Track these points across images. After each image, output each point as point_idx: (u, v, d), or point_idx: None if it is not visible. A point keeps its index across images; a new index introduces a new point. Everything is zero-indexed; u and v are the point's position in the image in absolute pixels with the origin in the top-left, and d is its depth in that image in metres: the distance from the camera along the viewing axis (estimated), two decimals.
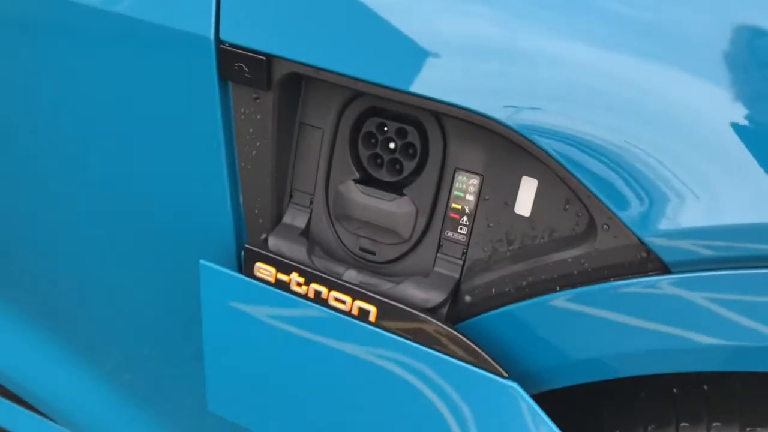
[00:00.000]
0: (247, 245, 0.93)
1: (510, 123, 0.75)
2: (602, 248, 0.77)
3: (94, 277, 1.18)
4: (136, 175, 1.02)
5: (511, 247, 0.85)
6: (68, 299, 1.24)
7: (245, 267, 0.93)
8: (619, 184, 0.72)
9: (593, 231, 0.77)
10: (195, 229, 1.01)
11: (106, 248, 1.13)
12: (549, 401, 0.84)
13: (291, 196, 0.96)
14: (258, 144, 0.92)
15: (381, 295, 0.86)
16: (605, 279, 0.77)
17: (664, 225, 0.72)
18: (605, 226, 0.76)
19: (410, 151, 0.89)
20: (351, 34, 0.80)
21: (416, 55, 0.77)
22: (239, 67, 0.87)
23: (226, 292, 0.95)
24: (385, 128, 0.89)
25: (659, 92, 0.70)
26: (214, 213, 0.98)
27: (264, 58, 0.85)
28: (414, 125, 0.87)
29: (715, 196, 0.69)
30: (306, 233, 0.95)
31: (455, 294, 0.87)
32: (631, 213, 0.73)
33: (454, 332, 0.82)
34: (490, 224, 0.86)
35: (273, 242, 0.94)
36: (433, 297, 0.86)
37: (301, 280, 0.89)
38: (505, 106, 0.74)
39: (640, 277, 0.75)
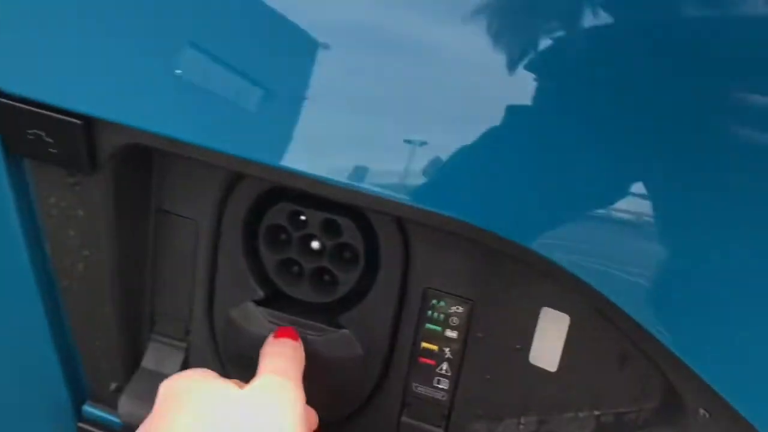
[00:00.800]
0: (80, 424, 0.56)
1: (519, 239, 0.42)
2: None
3: None
4: None
5: (525, 420, 0.52)
6: None
7: None
8: (731, 347, 0.41)
9: (678, 414, 0.45)
10: (9, 387, 0.63)
11: None
12: None
13: (153, 324, 0.60)
14: (86, 253, 0.54)
15: None
16: None
17: None
18: (704, 413, 0.44)
19: (347, 255, 0.54)
20: (226, 82, 0.44)
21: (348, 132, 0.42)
22: (36, 137, 0.48)
23: None
24: (302, 218, 0.53)
25: None
26: (33, 359, 0.60)
27: (80, 122, 0.47)
28: (350, 215, 0.52)
29: None
30: None
31: None
32: (754, 399, 0.41)
33: None
34: (488, 376, 0.52)
35: (127, 405, 0.58)
36: None
37: None
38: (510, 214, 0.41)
39: None
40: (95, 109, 0.47)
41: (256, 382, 0.47)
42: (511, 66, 0.40)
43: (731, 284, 0.40)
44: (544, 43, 0.40)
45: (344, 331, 0.55)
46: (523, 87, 0.40)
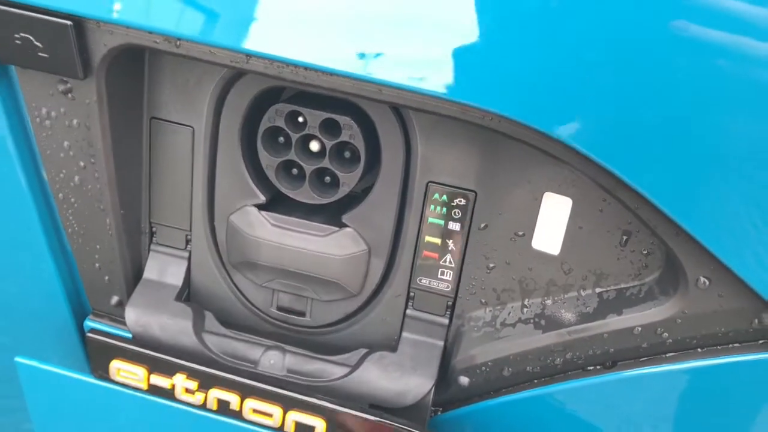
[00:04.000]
0: (90, 331, 0.56)
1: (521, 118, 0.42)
2: (695, 312, 0.47)
3: None
4: None
5: (530, 301, 0.54)
6: None
7: (93, 367, 0.57)
8: (741, 218, 0.43)
9: (679, 284, 0.48)
10: (8, 301, 0.62)
11: None
12: None
13: (152, 236, 0.60)
14: (81, 164, 0.54)
15: (328, 396, 0.53)
16: (694, 353, 0.49)
17: None
18: (703, 281, 0.46)
19: (347, 154, 0.54)
20: None
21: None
22: (24, 41, 0.47)
23: (65, 404, 0.59)
24: (301, 120, 0.53)
25: None
26: (31, 275, 0.60)
27: (69, 23, 0.46)
28: (349, 113, 0.52)
29: None
30: (185, 293, 0.60)
31: (443, 372, 0.56)
32: (759, 265, 0.43)
33: None
34: (492, 265, 0.54)
35: (133, 315, 0.58)
36: (413, 386, 0.55)
37: (193, 384, 0.55)
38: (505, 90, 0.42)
39: (750, 352, 0.47)
40: (86, 8, 0.45)
41: None
42: None
43: (733, 151, 0.42)
44: None
45: (348, 229, 0.55)
46: None
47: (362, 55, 0.44)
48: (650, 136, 0.41)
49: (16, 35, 0.47)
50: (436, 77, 0.43)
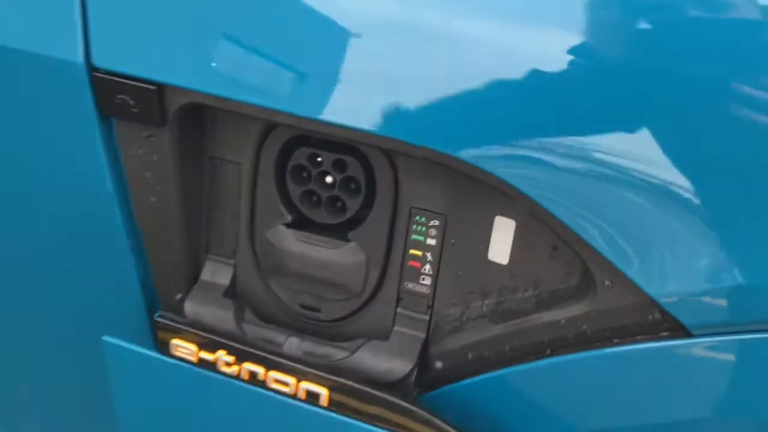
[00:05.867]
0: (158, 317, 0.75)
1: (468, 159, 0.58)
2: (604, 308, 0.62)
3: None
4: (16, 227, 0.82)
5: (487, 301, 0.69)
6: None
7: (159, 344, 0.75)
8: (623, 231, 0.57)
9: (591, 286, 0.62)
10: (96, 293, 0.81)
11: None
12: None
13: (208, 247, 0.78)
14: (158, 189, 0.73)
15: (332, 372, 0.69)
16: (607, 343, 0.62)
17: (681, 283, 0.57)
18: (607, 283, 0.61)
19: (352, 186, 0.71)
20: (262, 54, 0.61)
21: (346, 81, 0.59)
22: (122, 100, 0.67)
23: (139, 374, 0.77)
24: (319, 159, 0.70)
25: None
26: (116, 273, 0.78)
27: (154, 87, 0.65)
28: (354, 155, 0.69)
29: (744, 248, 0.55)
30: (231, 292, 0.77)
31: (423, 359, 0.72)
32: (640, 268, 0.58)
33: (430, 416, 0.67)
34: (460, 273, 0.69)
35: (191, 307, 0.76)
36: (398, 366, 0.70)
37: (231, 359, 0.72)
38: (461, 140, 0.58)
39: (651, 341, 0.60)
40: (166, 77, 0.65)
41: None
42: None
43: (626, 190, 0.56)
44: None
45: (352, 243, 0.72)
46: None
47: (358, 112, 0.61)
48: (547, 167, 0.56)
49: (117, 96, 0.67)
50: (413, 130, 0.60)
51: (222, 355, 0.72)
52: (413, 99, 0.58)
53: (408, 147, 0.60)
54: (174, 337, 0.74)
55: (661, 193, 0.55)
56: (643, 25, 0.53)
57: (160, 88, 0.65)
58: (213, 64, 0.62)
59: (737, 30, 0.52)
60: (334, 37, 0.59)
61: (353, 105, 0.60)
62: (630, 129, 0.55)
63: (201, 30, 0.62)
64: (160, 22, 0.63)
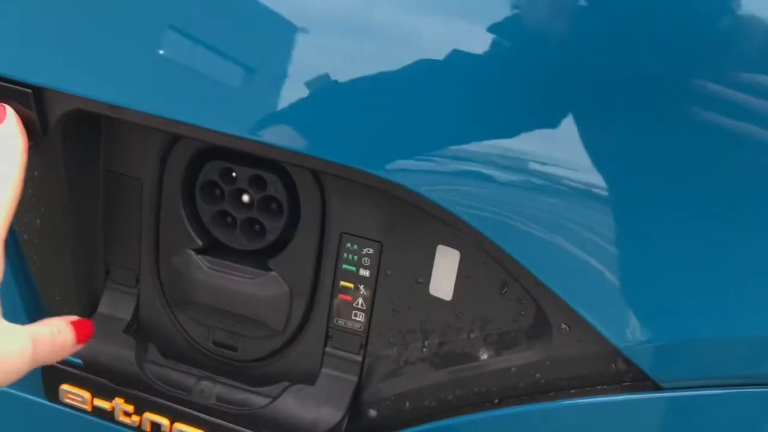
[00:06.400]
0: None
1: (408, 184, 0.49)
2: (560, 355, 0.53)
3: None
4: None
5: (428, 342, 0.60)
6: None
7: (46, 390, 0.64)
8: (582, 268, 0.49)
9: (546, 329, 0.54)
10: None
11: None
12: None
13: (107, 273, 0.67)
14: (42, 209, 0.62)
15: (250, 423, 0.60)
16: (563, 394, 0.54)
17: (648, 329, 0.49)
18: (564, 327, 0.52)
19: (273, 206, 0.61)
20: (157, 55, 0.51)
21: (264, 96, 0.49)
22: None
23: (26, 424, 0.66)
24: (233, 175, 0.60)
25: None
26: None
27: (29, 91, 0.54)
28: (275, 171, 0.59)
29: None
30: (133, 327, 0.67)
31: (355, 406, 0.62)
32: (604, 313, 0.49)
33: None
34: (397, 309, 0.60)
35: (86, 346, 0.65)
36: (326, 415, 0.61)
37: (129, 408, 0.61)
38: (399, 162, 0.49)
39: (615, 394, 0.52)
40: (42, 79, 0.54)
41: None
42: None
43: (581, 226, 0.48)
44: None
45: (273, 273, 0.62)
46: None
47: (280, 128, 0.52)
48: (498, 199, 0.48)
49: None
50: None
51: (119, 404, 0.61)
52: (327, 109, 0.49)
53: (323, 163, 0.51)
54: (63, 382, 0.63)
55: (629, 225, 0.47)
56: None
57: (38, 91, 0.54)
58: (100, 65, 0.52)
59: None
60: (241, 36, 0.49)
61: (261, 116, 0.50)
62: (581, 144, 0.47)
63: (84, 27, 0.51)
64: (37, 15, 0.53)
